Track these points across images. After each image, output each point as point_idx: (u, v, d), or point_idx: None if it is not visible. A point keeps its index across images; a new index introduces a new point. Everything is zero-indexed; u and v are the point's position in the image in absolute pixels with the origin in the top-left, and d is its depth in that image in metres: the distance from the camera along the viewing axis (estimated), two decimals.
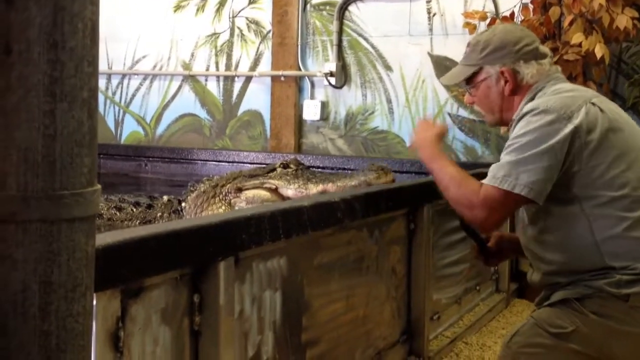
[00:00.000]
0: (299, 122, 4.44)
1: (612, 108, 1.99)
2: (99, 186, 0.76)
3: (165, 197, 2.85)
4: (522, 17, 3.49)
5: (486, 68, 2.10)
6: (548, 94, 1.99)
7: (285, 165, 2.65)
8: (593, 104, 1.93)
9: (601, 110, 1.92)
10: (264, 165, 3.09)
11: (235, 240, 1.48)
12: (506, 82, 2.06)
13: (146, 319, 1.30)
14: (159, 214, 2.76)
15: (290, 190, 2.54)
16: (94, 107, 0.73)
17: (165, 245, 1.29)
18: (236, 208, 2.57)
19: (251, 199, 2.58)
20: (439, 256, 2.92)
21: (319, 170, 3.00)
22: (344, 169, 3.66)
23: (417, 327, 2.64)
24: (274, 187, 2.59)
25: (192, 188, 2.79)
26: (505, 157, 1.90)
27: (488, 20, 3.58)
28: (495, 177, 1.88)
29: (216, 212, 2.60)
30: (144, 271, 1.26)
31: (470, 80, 2.14)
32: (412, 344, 2.62)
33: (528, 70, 2.05)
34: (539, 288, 2.05)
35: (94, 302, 1.15)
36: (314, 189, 2.51)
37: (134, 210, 2.78)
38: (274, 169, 2.67)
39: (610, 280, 1.84)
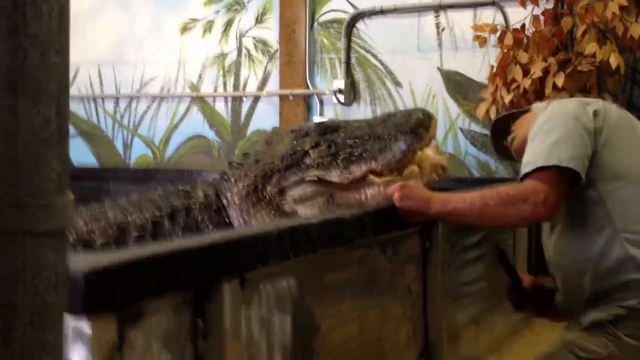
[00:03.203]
0: None
1: (626, 112, 2.06)
2: (71, 195, 0.68)
3: (200, 193, 2.48)
4: (533, 29, 3.42)
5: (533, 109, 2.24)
6: None
7: (315, 144, 2.36)
8: (607, 102, 2.06)
9: (615, 107, 2.03)
10: None
11: (241, 260, 1.40)
12: None
13: (146, 346, 1.22)
14: (199, 218, 2.43)
15: (333, 176, 2.29)
16: (63, 103, 0.65)
17: (165, 266, 1.22)
18: (286, 208, 2.35)
19: (299, 199, 2.35)
20: (456, 274, 2.82)
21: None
22: None
23: (434, 349, 2.53)
24: (316, 179, 2.34)
25: (226, 180, 2.46)
26: (535, 143, 1.86)
27: (498, 33, 3.52)
28: (536, 162, 1.83)
29: (265, 218, 2.36)
30: (143, 295, 1.18)
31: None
32: None
33: None
34: (569, 309, 1.97)
35: (89, 330, 1.08)
36: (357, 171, 2.26)
37: (171, 220, 2.43)
38: (305, 153, 2.37)
39: None
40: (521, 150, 2.07)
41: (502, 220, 1.88)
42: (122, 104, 5.12)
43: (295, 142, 2.42)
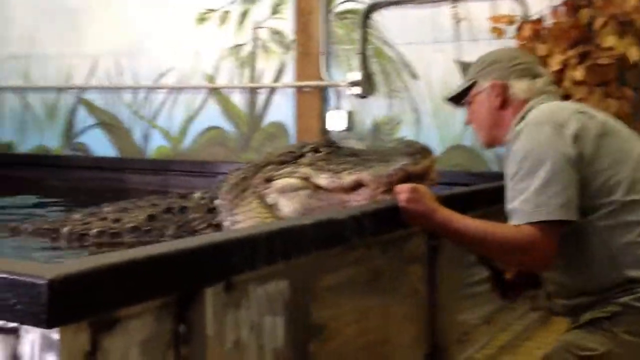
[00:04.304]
0: (324, 133, 4.33)
1: (601, 115, 1.97)
2: None
3: (196, 195, 2.65)
4: (552, 21, 3.32)
5: (480, 82, 2.12)
6: (536, 110, 1.94)
7: (315, 149, 2.44)
8: (582, 112, 1.91)
9: (590, 117, 1.90)
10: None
11: (225, 264, 1.37)
12: (497, 96, 2.05)
13: (123, 353, 1.20)
14: (191, 216, 2.57)
15: (322, 179, 2.34)
16: None
17: (141, 272, 1.19)
18: (268, 199, 2.40)
19: (281, 189, 2.38)
20: (467, 273, 2.76)
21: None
22: None
23: (442, 350, 2.49)
24: (305, 176, 2.39)
25: (224, 181, 2.58)
26: (521, 186, 1.79)
27: (516, 25, 3.43)
28: (525, 212, 1.77)
29: (248, 207, 2.43)
30: (117, 301, 1.15)
31: (466, 95, 2.16)
32: None
33: (519, 86, 2.04)
34: (565, 315, 1.92)
35: (58, 338, 1.05)
36: (347, 178, 2.30)
37: (167, 216, 2.58)
38: (303, 154, 2.46)
39: (635, 295, 1.73)
40: (485, 141, 2.16)
41: (500, 260, 1.89)
42: (140, 95, 5.11)
43: (296, 146, 2.48)
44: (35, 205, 4.00)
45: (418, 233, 2.28)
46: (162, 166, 4.80)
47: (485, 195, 2.73)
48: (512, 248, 1.78)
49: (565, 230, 1.78)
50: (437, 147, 4.03)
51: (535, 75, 2.07)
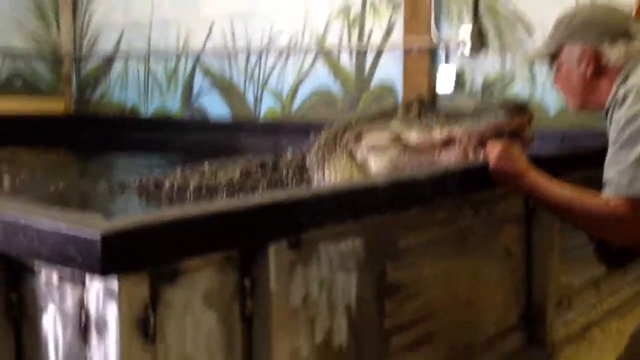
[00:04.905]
0: (433, 93, 4.23)
1: None
2: None
3: (289, 153, 2.72)
4: None
5: (568, 47, 1.94)
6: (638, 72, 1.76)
7: (407, 107, 2.39)
8: None
9: None
10: None
11: (288, 221, 1.38)
12: (588, 64, 1.89)
13: (185, 304, 1.25)
14: (284, 173, 2.64)
15: (412, 135, 2.29)
16: None
17: (202, 226, 1.22)
18: (357, 156, 2.39)
19: (371, 146, 2.37)
20: (570, 234, 2.63)
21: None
22: None
23: (538, 313, 2.40)
24: (395, 133, 2.35)
25: (315, 139, 2.61)
26: (619, 155, 1.67)
27: None
28: (620, 185, 1.68)
29: (338, 164, 2.44)
30: (177, 254, 1.19)
31: (553, 58, 1.99)
32: (532, 330, 2.39)
33: (614, 52, 1.86)
34: None
35: (117, 289, 1.11)
36: (438, 134, 2.24)
37: (260, 172, 2.69)
38: (395, 111, 2.42)
39: None
40: (577, 106, 2.01)
41: (585, 230, 1.84)
42: (253, 58, 5.21)
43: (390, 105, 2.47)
44: (155, 165, 4.22)
45: (512, 193, 2.20)
46: (272, 128, 4.90)
47: (582, 158, 2.57)
48: (598, 221, 1.71)
49: None
50: (554, 105, 3.84)
51: (630, 35, 1.88)
